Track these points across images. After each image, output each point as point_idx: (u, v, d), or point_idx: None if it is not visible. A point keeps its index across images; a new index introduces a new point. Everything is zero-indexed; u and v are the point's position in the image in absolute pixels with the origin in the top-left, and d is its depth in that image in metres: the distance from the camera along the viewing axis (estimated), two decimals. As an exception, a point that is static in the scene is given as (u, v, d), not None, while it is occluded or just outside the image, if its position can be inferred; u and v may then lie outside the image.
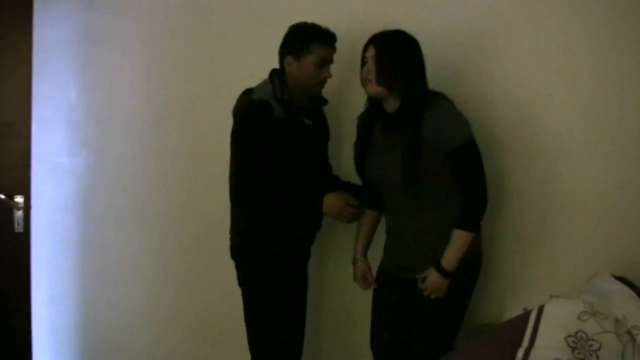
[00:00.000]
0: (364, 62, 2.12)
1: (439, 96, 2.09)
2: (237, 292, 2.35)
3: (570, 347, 1.71)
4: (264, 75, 2.28)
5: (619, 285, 1.90)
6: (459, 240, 2.04)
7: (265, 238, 2.23)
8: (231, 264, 2.35)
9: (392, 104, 2.12)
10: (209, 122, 2.80)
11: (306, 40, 2.17)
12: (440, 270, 2.05)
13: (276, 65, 2.29)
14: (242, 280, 2.29)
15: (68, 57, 3.04)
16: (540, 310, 1.87)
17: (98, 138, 3.07)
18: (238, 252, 2.28)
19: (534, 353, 1.71)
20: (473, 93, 2.35)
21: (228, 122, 2.23)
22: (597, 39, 2.17)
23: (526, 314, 1.88)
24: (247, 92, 2.19)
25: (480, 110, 2.31)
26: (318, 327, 2.71)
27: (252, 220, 2.22)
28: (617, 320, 1.79)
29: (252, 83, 2.29)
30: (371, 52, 2.08)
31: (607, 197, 2.22)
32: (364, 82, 2.13)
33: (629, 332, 1.76)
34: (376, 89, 2.08)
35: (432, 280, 2.06)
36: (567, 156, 2.27)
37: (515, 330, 1.82)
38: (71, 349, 3.16)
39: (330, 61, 2.22)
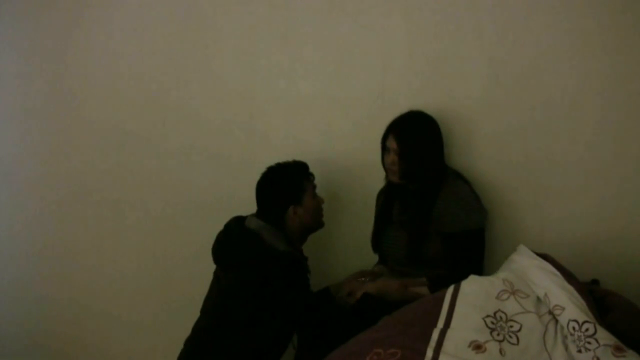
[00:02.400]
0: (385, 149, 2.23)
1: (456, 176, 2.22)
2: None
3: (489, 328, 1.65)
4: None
5: (540, 262, 1.84)
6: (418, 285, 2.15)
7: None
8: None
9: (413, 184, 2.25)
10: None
11: (299, 182, 2.25)
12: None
13: None
14: None
15: None
16: (457, 289, 1.81)
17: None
18: None
19: (450, 334, 1.64)
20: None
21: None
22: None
23: (441, 293, 1.82)
24: (260, 242, 2.16)
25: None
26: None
27: None
28: (538, 300, 1.75)
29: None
30: (392, 144, 2.18)
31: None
32: (387, 170, 2.26)
33: (550, 312, 1.72)
34: (399, 180, 2.21)
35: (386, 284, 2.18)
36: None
37: (430, 310, 1.75)
38: None
39: (315, 186, 2.32)
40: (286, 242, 2.19)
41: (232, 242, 2.22)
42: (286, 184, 2.24)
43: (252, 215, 2.27)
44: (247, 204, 2.27)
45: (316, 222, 2.30)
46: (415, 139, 2.18)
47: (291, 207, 2.22)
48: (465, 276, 1.89)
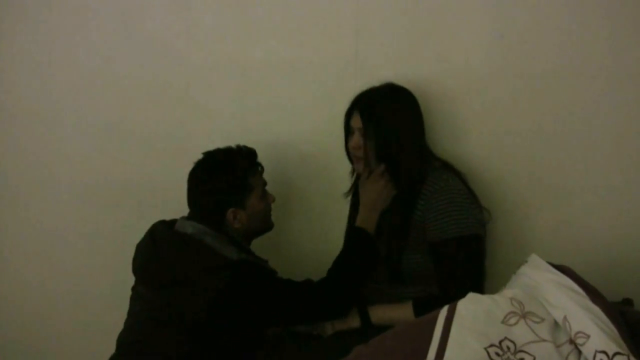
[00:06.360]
0: (348, 130, 2.13)
1: (443, 167, 2.11)
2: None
3: (493, 360, 1.55)
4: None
5: (557, 277, 1.74)
6: (401, 311, 2.05)
7: None
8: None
9: None
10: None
11: (243, 179, 2.10)
12: (364, 317, 2.09)
13: None
14: None
15: None
16: (452, 310, 1.70)
17: None
18: None
19: (443, 367, 1.55)
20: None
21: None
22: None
23: (432, 316, 1.70)
24: (208, 250, 2.04)
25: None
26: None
27: None
28: (555, 324, 1.66)
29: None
30: (357, 123, 2.08)
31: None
32: (351, 157, 2.17)
33: (571, 341, 1.61)
34: (365, 169, 2.12)
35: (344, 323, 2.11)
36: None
37: (418, 337, 1.67)
38: None
39: (265, 182, 2.22)
40: (237, 248, 2.03)
41: (164, 253, 2.02)
42: (226, 181, 2.08)
43: (183, 218, 2.09)
44: (182, 198, 2.14)
45: (263, 224, 2.19)
46: (386, 116, 2.06)
47: (230, 211, 2.07)
48: (461, 295, 1.76)
